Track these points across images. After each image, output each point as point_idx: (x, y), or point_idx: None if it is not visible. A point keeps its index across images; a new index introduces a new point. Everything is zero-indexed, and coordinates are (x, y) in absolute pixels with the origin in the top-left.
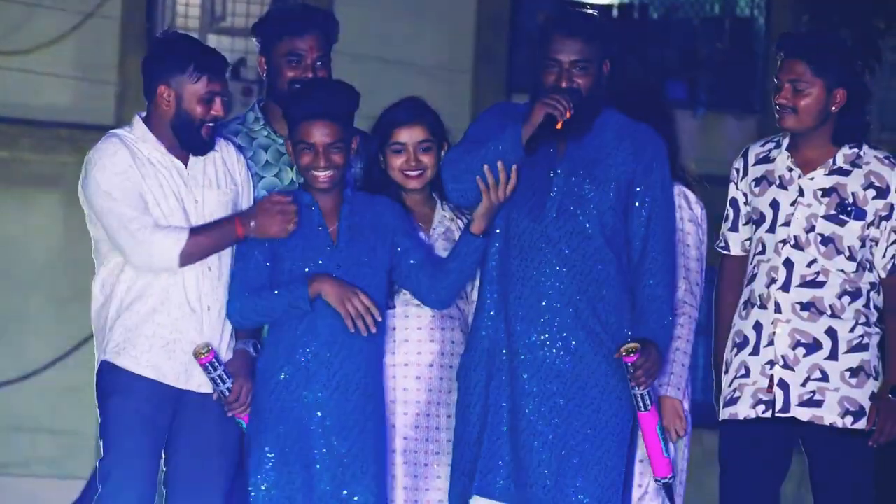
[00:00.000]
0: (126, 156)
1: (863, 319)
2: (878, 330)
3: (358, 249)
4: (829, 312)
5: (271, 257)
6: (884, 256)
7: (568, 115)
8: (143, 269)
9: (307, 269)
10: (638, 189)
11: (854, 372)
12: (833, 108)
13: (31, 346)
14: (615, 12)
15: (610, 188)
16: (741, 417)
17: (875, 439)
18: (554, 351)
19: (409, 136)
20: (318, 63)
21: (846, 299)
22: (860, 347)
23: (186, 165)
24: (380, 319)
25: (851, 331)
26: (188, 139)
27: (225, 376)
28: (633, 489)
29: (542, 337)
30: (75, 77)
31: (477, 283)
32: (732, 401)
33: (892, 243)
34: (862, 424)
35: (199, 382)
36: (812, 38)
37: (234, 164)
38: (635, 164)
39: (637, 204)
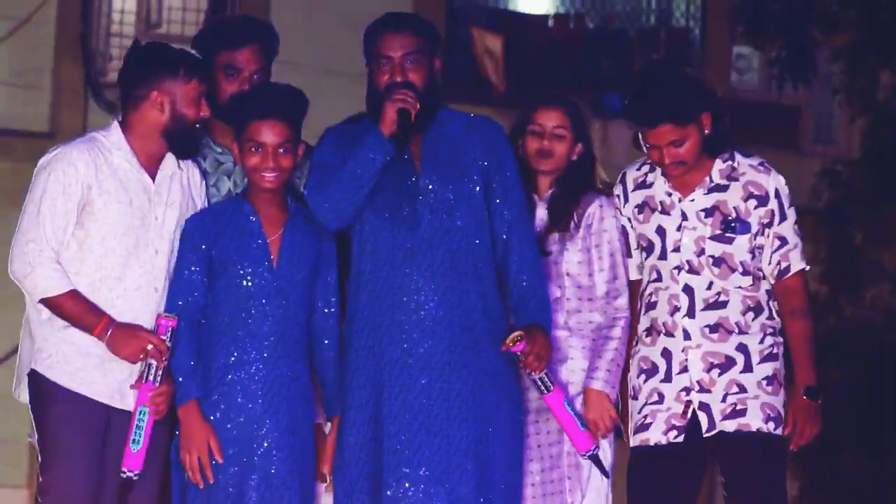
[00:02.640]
0: (84, 168)
1: (770, 331)
2: (782, 339)
3: (297, 271)
4: (736, 331)
5: (207, 266)
6: (769, 263)
7: (418, 106)
8: (14, 277)
9: (246, 284)
10: (494, 184)
11: (769, 380)
12: (707, 131)
13: None
14: (550, 22)
15: (473, 181)
16: (652, 443)
17: (795, 442)
18: (443, 354)
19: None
20: (256, 76)
21: (750, 315)
22: (771, 357)
23: (154, 181)
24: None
25: (761, 342)
26: (184, 142)
27: (167, 357)
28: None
29: (429, 343)
30: (9, 83)
31: None
32: (644, 427)
33: (775, 249)
34: (781, 430)
35: (130, 402)
36: (656, 98)
37: (197, 187)
38: (489, 156)
39: (497, 200)
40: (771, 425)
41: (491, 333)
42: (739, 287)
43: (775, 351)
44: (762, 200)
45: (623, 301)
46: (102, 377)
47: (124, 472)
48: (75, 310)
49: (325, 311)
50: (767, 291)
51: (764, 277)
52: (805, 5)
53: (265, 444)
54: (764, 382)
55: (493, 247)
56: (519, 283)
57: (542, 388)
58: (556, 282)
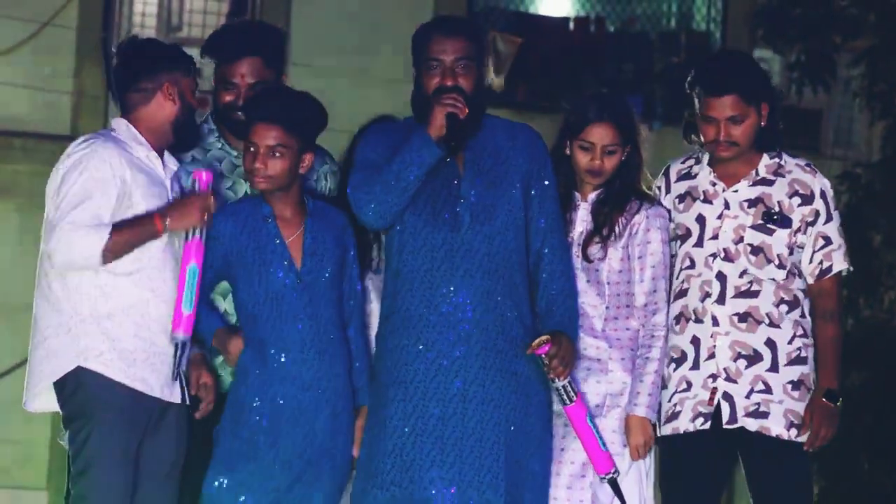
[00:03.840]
0: (117, 164)
1: (800, 331)
2: (813, 341)
3: (323, 269)
4: (766, 321)
5: (225, 268)
6: (811, 262)
7: (466, 111)
8: (64, 267)
9: (272, 285)
10: (532, 193)
11: (795, 385)
12: (763, 123)
13: None
14: (571, 25)
15: (515, 188)
16: (682, 431)
17: (810, 443)
18: (478, 358)
19: None
20: (257, 87)
21: (783, 308)
22: (799, 360)
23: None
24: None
25: (790, 342)
26: (191, 132)
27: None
28: None
29: (465, 346)
30: (31, 86)
31: None
32: (674, 416)
33: (818, 249)
34: (805, 437)
35: (178, 396)
36: (729, 68)
37: (180, 185)
38: (530, 164)
39: (533, 209)
40: (793, 432)
41: (524, 340)
42: (773, 279)
43: (804, 354)
44: (807, 199)
45: (661, 318)
46: (152, 373)
47: (176, 337)
48: (129, 234)
49: (351, 302)
50: (803, 290)
51: (799, 275)
52: (825, 10)
53: (310, 442)
54: (790, 387)
55: (527, 255)
56: (548, 292)
57: (566, 397)
58: (596, 289)
